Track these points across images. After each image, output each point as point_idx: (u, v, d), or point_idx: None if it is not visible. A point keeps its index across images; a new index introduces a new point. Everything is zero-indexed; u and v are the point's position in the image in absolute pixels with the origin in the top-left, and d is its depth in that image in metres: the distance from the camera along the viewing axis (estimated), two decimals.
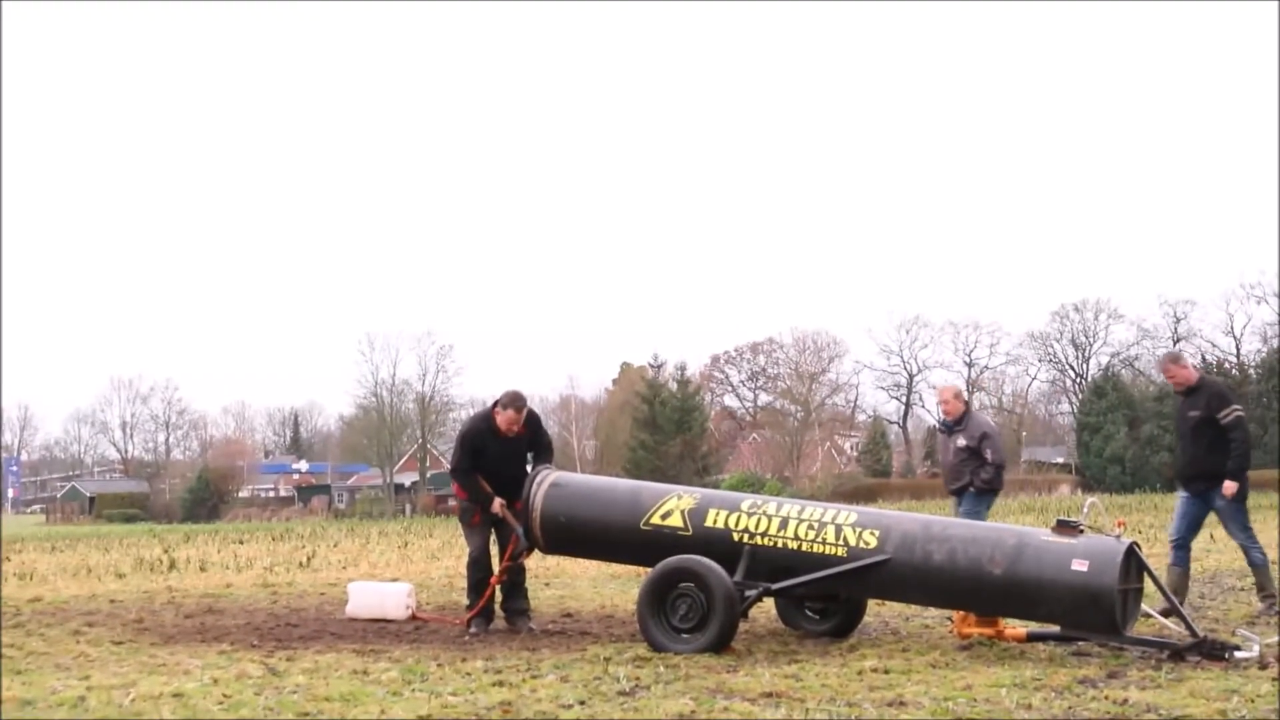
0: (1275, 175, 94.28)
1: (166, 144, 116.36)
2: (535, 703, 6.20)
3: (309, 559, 19.46)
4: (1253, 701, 6.05)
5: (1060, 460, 70.07)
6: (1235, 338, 64.88)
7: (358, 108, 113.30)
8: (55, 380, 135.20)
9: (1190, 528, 10.07)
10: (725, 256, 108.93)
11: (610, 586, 12.89)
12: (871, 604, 9.50)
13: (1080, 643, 7.81)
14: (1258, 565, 9.91)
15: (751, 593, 8.13)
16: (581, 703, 6.22)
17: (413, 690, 6.57)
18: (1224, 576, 12.54)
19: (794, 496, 24.55)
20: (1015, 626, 8.07)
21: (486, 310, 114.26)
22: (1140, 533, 19.11)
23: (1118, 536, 7.80)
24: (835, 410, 75.17)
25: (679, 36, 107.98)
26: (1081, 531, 7.83)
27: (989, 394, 73.53)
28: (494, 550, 9.63)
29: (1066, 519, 7.98)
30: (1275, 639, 7.76)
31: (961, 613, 8.21)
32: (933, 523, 8.35)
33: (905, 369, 74.35)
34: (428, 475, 77.02)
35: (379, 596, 10.31)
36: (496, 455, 9.39)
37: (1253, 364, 62.43)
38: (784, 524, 8.29)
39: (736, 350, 77.20)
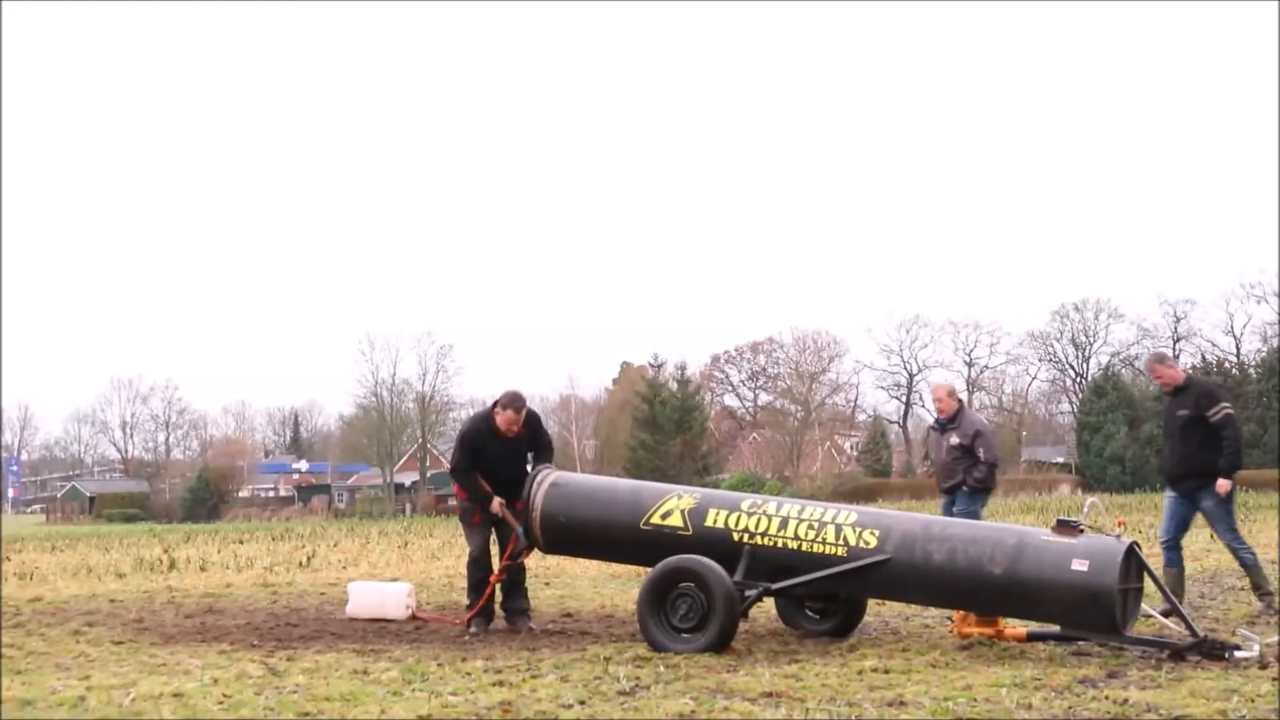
0: (1275, 175, 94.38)
1: (167, 144, 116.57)
2: (535, 703, 6.20)
3: (309, 559, 19.46)
4: (1253, 701, 6.05)
5: (1060, 460, 70.08)
6: (1235, 337, 65.00)
7: (358, 108, 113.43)
8: (55, 380, 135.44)
9: (1179, 528, 10.08)
10: (725, 256, 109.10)
11: (610, 586, 12.89)
12: (871, 604, 9.50)
13: (1080, 643, 7.81)
14: (1248, 565, 9.93)
15: (751, 592, 8.13)
16: (581, 703, 6.22)
17: (413, 690, 6.57)
18: (1224, 576, 12.54)
19: (794, 496, 24.55)
20: (1015, 626, 8.07)
21: (486, 310, 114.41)
22: (1140, 532, 19.09)
23: (1118, 536, 7.80)
24: (835, 410, 75.19)
25: (679, 36, 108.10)
26: (1081, 531, 7.83)
27: (989, 394, 73.63)
28: (494, 550, 9.63)
29: (1066, 519, 7.98)
30: (1275, 639, 7.76)
31: (961, 612, 8.21)
32: (933, 522, 8.36)
33: (905, 369, 74.41)
34: (428, 475, 77.01)
35: (379, 596, 10.31)
36: (496, 455, 9.39)
37: (1253, 364, 62.44)
38: (784, 524, 8.29)
39: (736, 350, 77.31)
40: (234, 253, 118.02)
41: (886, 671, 7.04)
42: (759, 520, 8.35)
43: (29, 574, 16.98)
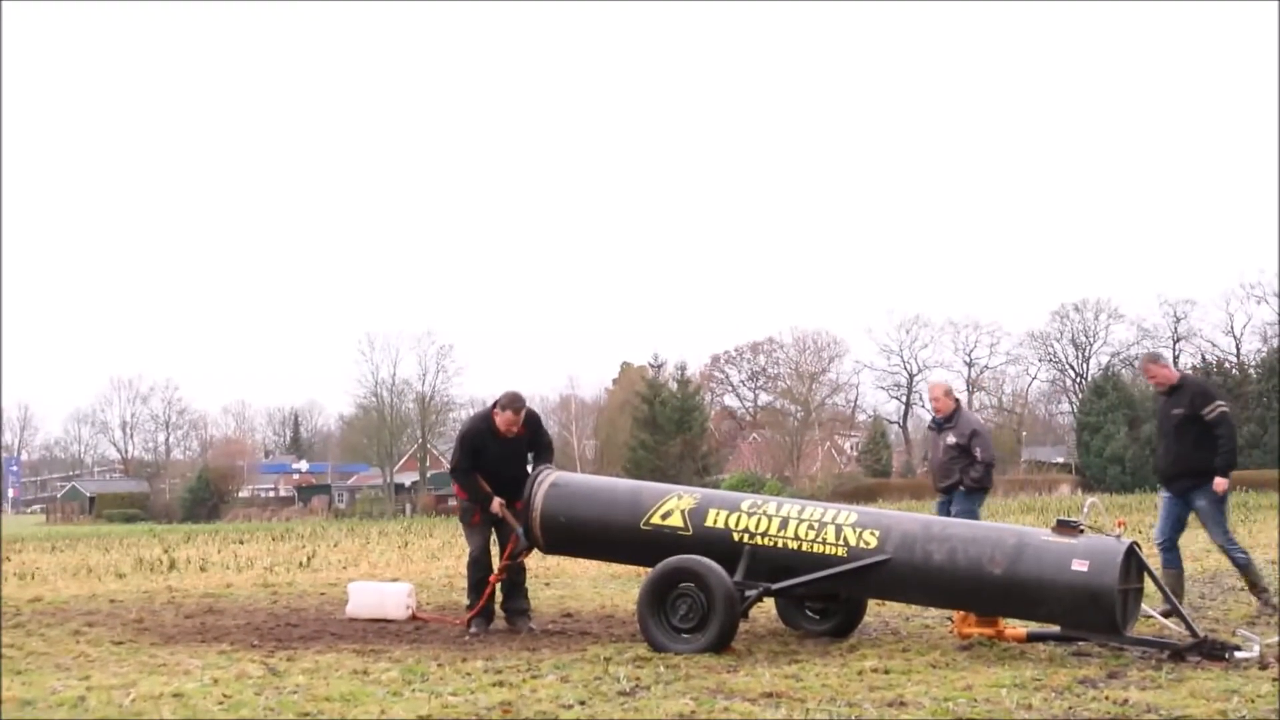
0: (1275, 175, 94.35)
1: (167, 144, 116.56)
2: (535, 703, 6.20)
3: (309, 559, 19.45)
4: (1253, 701, 6.05)
5: (1060, 460, 70.07)
6: (1235, 338, 65.01)
7: (358, 108, 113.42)
8: (55, 380, 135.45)
9: (1175, 528, 10.08)
10: (725, 256, 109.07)
11: (610, 586, 12.89)
12: (871, 604, 9.50)
13: (1080, 643, 7.81)
14: (1242, 565, 9.93)
15: (752, 593, 8.13)
16: (581, 703, 6.22)
17: (413, 690, 6.57)
18: (1224, 576, 12.53)
19: (794, 496, 24.53)
20: (1015, 626, 8.07)
21: (486, 310, 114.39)
22: (1140, 533, 19.07)
23: (1118, 536, 7.80)
24: (835, 410, 75.16)
25: (679, 36, 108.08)
26: (1081, 531, 7.83)
27: (989, 394, 73.62)
28: (494, 550, 9.63)
29: (1066, 519, 7.98)
30: (1275, 639, 7.76)
31: (961, 613, 8.21)
32: (933, 523, 8.36)
33: (905, 369, 74.36)
34: (428, 475, 77.01)
35: (379, 596, 10.31)
36: (496, 455, 9.39)
37: (1253, 364, 62.45)
38: (784, 524, 8.29)
39: (736, 350, 77.29)
40: (234, 253, 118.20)
41: (886, 672, 7.04)
42: (759, 520, 8.35)
43: (29, 574, 16.97)
